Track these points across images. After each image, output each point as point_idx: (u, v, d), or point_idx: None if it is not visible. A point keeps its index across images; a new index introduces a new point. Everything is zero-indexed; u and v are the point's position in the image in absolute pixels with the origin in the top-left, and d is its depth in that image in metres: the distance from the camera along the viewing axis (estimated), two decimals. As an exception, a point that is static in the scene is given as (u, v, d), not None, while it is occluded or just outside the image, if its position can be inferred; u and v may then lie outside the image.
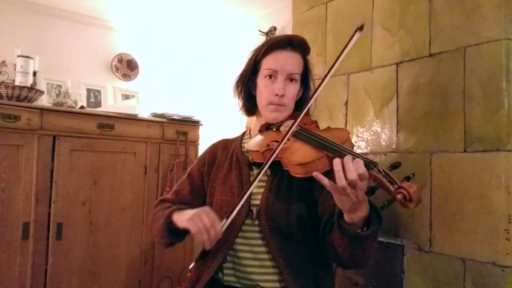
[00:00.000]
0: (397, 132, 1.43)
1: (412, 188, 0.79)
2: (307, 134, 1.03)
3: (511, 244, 1.11)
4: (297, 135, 1.05)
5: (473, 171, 1.20)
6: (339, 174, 0.83)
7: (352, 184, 0.83)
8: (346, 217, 0.90)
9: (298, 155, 0.98)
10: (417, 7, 1.39)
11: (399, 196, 0.79)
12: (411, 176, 0.84)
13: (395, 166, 0.88)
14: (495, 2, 1.19)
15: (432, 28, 1.35)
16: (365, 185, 0.84)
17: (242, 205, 1.09)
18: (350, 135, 1.06)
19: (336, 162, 0.85)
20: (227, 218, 1.00)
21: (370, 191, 0.84)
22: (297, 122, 1.04)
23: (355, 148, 1.36)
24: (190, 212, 1.01)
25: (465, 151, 1.23)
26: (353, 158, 0.85)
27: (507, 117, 1.15)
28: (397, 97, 1.44)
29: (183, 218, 1.02)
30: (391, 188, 0.82)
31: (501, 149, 1.14)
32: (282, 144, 1.01)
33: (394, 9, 1.47)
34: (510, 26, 1.17)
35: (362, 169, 0.83)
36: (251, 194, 1.11)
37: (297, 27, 1.89)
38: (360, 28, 1.01)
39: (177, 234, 1.11)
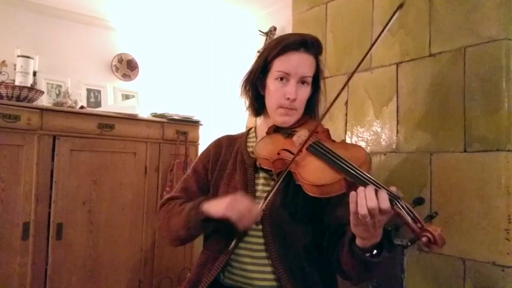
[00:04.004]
0: (397, 132, 1.43)
1: (437, 231, 0.76)
2: (324, 151, 0.98)
3: (511, 244, 1.11)
4: (311, 150, 1.00)
5: (473, 171, 1.20)
6: (361, 202, 0.80)
7: (371, 214, 0.79)
8: (359, 241, 0.87)
9: (314, 174, 0.94)
10: (417, 7, 1.39)
11: (424, 240, 0.77)
12: (435, 215, 0.81)
13: (418, 202, 0.83)
14: (495, 2, 1.19)
15: (432, 28, 1.35)
16: (384, 219, 0.81)
17: None
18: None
19: (360, 190, 0.82)
20: (264, 200, 0.98)
21: (395, 229, 0.81)
22: (309, 135, 1.01)
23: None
24: (224, 201, 0.99)
25: (465, 151, 1.22)
26: (377, 189, 0.81)
27: (507, 117, 1.15)
28: (397, 97, 1.44)
29: (218, 208, 0.99)
30: (415, 227, 0.79)
31: (501, 149, 1.14)
32: (294, 159, 0.98)
33: (394, 9, 1.47)
34: (510, 26, 1.17)
35: (386, 204, 0.79)
36: (255, 198, 1.10)
37: (297, 27, 1.88)
38: (401, 5, 0.97)
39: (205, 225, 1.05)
